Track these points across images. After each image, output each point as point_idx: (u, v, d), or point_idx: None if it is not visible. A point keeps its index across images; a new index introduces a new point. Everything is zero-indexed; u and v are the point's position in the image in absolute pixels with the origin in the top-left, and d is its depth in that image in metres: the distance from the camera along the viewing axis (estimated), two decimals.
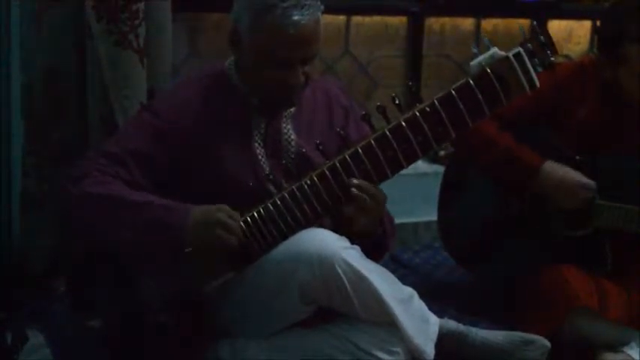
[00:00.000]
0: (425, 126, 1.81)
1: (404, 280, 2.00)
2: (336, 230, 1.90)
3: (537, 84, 1.82)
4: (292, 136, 2.00)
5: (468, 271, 2.73)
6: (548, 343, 2.07)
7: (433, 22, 3.60)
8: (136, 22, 2.36)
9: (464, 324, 2.12)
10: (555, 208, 2.41)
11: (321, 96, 2.07)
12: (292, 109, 2.01)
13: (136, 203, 1.82)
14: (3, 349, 2.07)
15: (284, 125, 2.00)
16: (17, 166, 2.49)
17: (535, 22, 1.92)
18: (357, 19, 3.45)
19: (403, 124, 1.81)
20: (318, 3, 1.87)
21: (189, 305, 1.89)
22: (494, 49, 1.79)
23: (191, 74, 2.14)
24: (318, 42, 1.88)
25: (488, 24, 3.70)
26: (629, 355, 2.23)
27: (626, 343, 2.25)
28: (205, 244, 1.80)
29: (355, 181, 1.83)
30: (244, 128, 1.97)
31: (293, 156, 1.98)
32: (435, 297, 2.48)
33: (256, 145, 1.97)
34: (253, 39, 1.86)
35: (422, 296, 2.00)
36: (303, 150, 1.93)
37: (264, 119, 1.98)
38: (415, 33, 3.53)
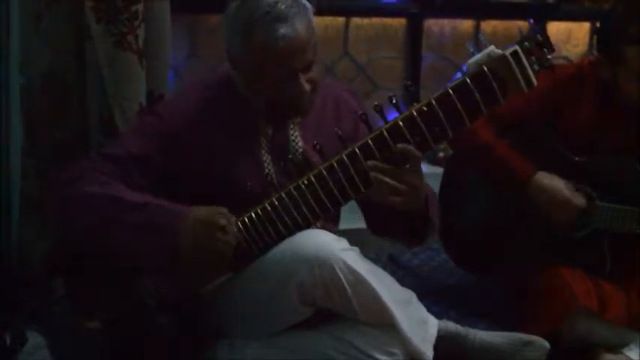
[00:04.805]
0: (422, 125, 1.79)
1: (403, 281, 1.99)
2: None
3: (535, 82, 1.79)
4: (300, 143, 1.99)
5: (468, 273, 2.72)
6: (547, 344, 2.06)
7: (432, 24, 3.60)
8: (136, 23, 2.35)
9: (463, 325, 2.11)
10: (545, 218, 2.41)
11: (330, 102, 2.05)
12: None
13: (133, 203, 1.81)
14: (2, 350, 2.06)
15: (291, 132, 1.99)
16: (16, 167, 2.49)
17: (533, 22, 1.92)
18: (356, 20, 3.45)
19: (400, 123, 1.80)
20: (306, 5, 1.84)
21: (187, 306, 1.89)
22: (491, 48, 1.77)
23: (196, 79, 2.13)
24: (311, 48, 1.84)
25: (488, 26, 3.69)
26: (628, 357, 2.23)
27: (625, 345, 2.26)
28: (202, 247, 1.79)
29: (372, 162, 1.80)
30: (250, 134, 1.96)
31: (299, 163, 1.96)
32: (435, 299, 2.49)
33: (263, 151, 1.97)
34: (247, 59, 1.85)
35: (421, 298, 1.99)
36: (307, 156, 1.91)
37: (270, 125, 1.97)
38: (414, 35, 3.53)
